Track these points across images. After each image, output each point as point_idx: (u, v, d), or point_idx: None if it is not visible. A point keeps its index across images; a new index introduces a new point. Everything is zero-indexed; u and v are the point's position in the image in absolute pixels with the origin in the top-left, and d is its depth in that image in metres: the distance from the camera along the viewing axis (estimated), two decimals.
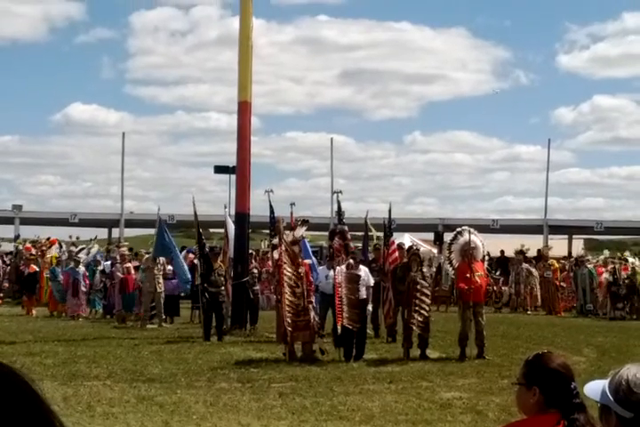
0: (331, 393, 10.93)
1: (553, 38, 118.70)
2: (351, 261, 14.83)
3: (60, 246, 26.29)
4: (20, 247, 29.37)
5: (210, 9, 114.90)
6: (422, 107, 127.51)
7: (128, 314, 21.12)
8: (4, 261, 29.99)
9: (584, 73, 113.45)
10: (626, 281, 24.73)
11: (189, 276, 21.05)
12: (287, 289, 13.95)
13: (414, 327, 14.32)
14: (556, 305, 26.29)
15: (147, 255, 21.49)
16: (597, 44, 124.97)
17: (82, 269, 22.56)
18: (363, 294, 14.67)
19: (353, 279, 14.30)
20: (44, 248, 26.60)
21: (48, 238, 27.98)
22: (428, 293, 14.96)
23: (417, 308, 14.32)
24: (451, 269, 16.31)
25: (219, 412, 9.64)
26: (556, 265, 27.36)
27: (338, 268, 14.58)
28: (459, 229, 15.62)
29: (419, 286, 14.49)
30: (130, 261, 21.88)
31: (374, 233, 20.89)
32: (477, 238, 15.40)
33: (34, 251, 26.87)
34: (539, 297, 26.86)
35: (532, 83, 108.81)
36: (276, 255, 15.15)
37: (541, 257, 28.47)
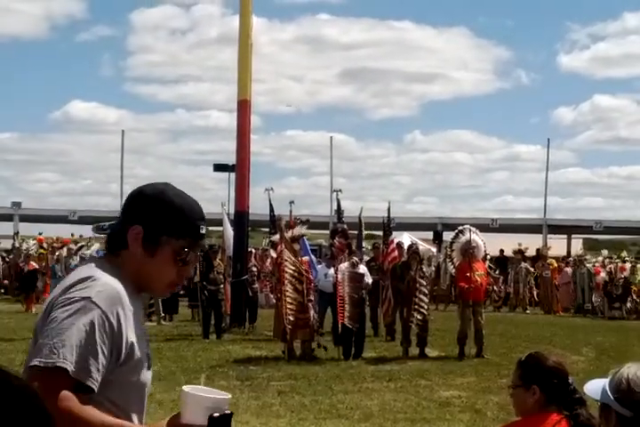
0: (330, 391, 10.95)
1: (554, 38, 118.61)
2: (355, 259, 14.86)
3: (75, 253, 26.08)
4: (17, 244, 29.26)
5: (211, 7, 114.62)
6: (423, 106, 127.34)
7: None
8: (2, 259, 29.94)
9: (585, 73, 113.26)
10: (621, 281, 24.75)
11: None
12: (289, 286, 13.94)
13: (413, 326, 14.34)
14: (554, 304, 26.34)
15: None
16: (598, 43, 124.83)
17: None
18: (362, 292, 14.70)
19: (356, 278, 14.31)
20: (55, 245, 26.51)
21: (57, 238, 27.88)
22: (427, 291, 14.99)
23: (416, 306, 14.34)
24: (451, 267, 16.32)
25: None
26: (555, 264, 27.40)
27: (339, 266, 14.58)
28: (460, 228, 15.62)
29: (418, 285, 14.50)
30: None
31: (364, 231, 20.82)
32: (478, 238, 15.42)
33: (45, 245, 26.77)
34: (535, 296, 26.99)
35: (533, 82, 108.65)
36: (274, 253, 15.14)
37: (540, 256, 28.51)
